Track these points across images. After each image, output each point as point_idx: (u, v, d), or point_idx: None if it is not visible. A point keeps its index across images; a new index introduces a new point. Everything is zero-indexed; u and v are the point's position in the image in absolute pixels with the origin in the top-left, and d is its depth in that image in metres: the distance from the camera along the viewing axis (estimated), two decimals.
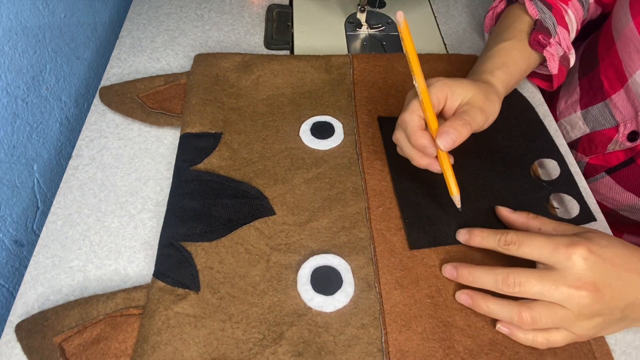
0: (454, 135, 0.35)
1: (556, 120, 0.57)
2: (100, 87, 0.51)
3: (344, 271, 0.37)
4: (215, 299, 0.35)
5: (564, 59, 0.48)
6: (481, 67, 0.44)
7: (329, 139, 0.46)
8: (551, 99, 0.59)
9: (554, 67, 0.47)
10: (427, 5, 0.65)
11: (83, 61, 0.56)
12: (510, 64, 0.44)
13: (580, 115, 0.53)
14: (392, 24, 0.62)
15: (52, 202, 0.42)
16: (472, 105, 0.37)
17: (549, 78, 0.52)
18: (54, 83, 0.50)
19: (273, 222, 0.40)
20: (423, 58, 0.53)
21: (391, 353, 0.33)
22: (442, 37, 0.60)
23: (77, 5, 0.54)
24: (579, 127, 0.53)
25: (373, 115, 0.48)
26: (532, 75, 0.53)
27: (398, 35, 0.60)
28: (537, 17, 0.47)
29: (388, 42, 0.60)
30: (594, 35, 0.54)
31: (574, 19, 0.50)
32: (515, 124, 0.48)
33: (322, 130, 0.46)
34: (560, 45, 0.47)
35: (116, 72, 0.53)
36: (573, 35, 0.50)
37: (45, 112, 0.49)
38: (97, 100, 0.50)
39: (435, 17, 0.63)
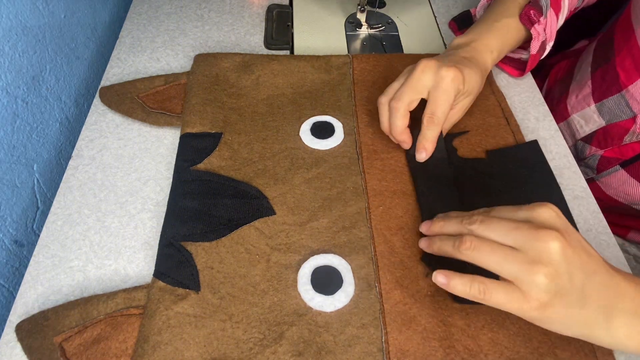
0: (429, 152, 0.42)
1: (568, 115, 0.56)
2: (100, 87, 0.51)
3: (344, 271, 0.37)
4: (215, 299, 0.35)
5: (542, 47, 0.48)
6: (485, 39, 0.46)
7: (329, 139, 0.46)
8: (561, 94, 0.58)
9: (535, 47, 0.47)
10: (427, 5, 0.65)
11: (83, 61, 0.56)
12: (507, 46, 0.48)
13: (595, 109, 0.52)
14: (392, 24, 0.62)
15: (52, 202, 0.42)
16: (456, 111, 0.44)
17: (520, 66, 0.52)
18: (54, 83, 0.50)
19: (273, 222, 0.40)
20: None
21: (391, 353, 0.33)
22: (442, 37, 0.60)
23: (77, 5, 0.54)
24: (594, 120, 0.53)
25: (373, 115, 0.48)
26: (503, 61, 0.53)
27: (398, 35, 0.60)
28: None
29: (388, 42, 0.60)
30: (610, 28, 0.53)
31: (567, 7, 0.50)
32: (526, 176, 0.44)
33: (322, 130, 0.47)
34: (544, 31, 0.47)
35: (116, 72, 0.53)
36: (561, 21, 0.50)
37: (45, 112, 0.49)
38: (97, 100, 0.50)
39: (435, 17, 0.63)
